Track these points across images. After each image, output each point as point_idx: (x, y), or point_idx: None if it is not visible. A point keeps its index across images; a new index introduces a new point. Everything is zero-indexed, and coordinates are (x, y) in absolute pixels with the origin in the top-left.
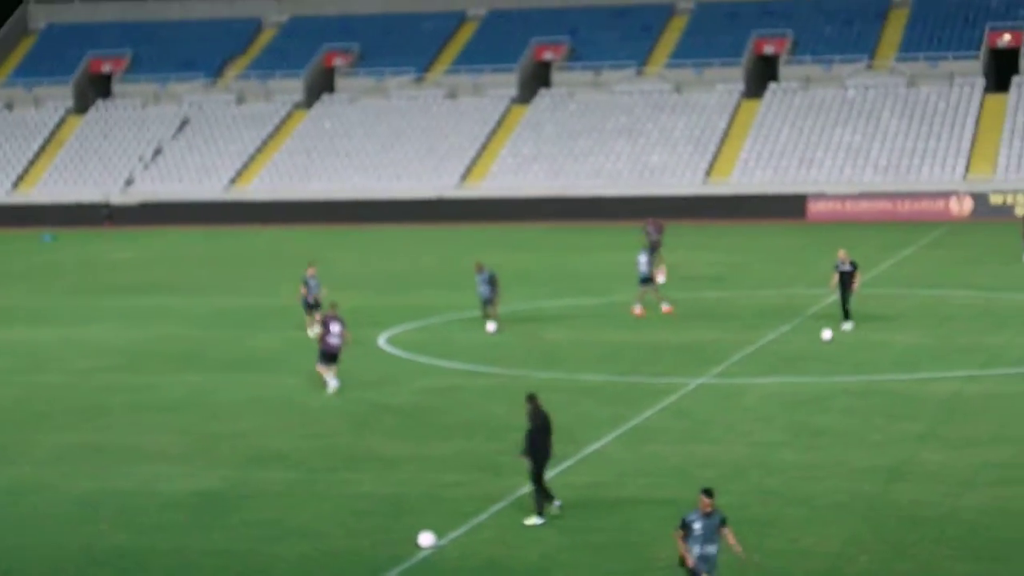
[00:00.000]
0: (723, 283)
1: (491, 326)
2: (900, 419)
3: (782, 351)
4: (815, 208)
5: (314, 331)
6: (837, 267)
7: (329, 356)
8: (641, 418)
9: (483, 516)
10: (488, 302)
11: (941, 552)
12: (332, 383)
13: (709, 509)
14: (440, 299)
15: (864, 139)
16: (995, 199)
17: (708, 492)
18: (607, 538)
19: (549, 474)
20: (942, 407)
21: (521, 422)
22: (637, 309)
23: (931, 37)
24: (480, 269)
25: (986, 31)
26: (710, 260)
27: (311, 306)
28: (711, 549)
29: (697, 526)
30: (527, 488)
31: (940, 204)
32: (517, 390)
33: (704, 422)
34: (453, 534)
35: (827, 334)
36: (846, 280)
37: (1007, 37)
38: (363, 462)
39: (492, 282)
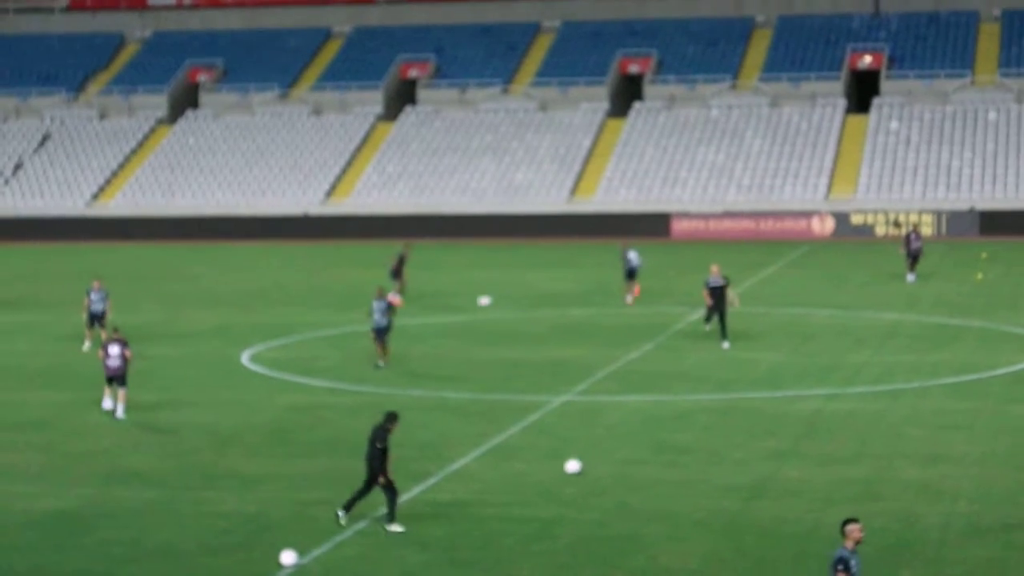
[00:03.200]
0: (587, 301)
1: (381, 362)
2: (762, 436)
3: (645, 369)
4: (679, 227)
5: (87, 346)
6: (708, 283)
7: (108, 378)
8: (504, 435)
9: (347, 534)
10: (383, 332)
11: (801, 569)
12: (107, 404)
13: (861, 536)
14: (304, 316)
15: (728, 158)
16: (856, 219)
17: (857, 520)
18: (470, 555)
19: (413, 492)
20: (804, 425)
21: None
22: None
23: (794, 58)
24: (380, 295)
25: (847, 52)
26: (575, 278)
27: (93, 320)
28: None
29: (853, 563)
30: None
31: (802, 223)
32: (381, 408)
33: (567, 439)
34: (316, 552)
35: (484, 300)
36: (718, 296)
37: (868, 59)
38: (224, 480)
39: (388, 312)
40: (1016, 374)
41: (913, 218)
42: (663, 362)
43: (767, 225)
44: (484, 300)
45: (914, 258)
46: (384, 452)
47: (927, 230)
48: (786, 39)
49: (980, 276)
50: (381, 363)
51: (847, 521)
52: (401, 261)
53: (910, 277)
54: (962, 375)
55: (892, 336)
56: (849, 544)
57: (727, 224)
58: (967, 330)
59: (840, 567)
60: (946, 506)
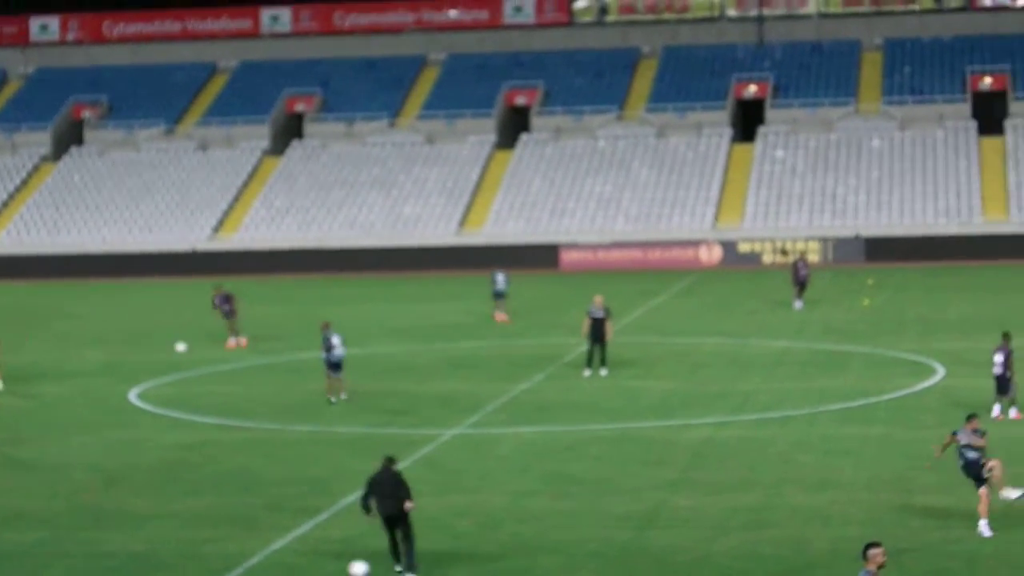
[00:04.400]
0: (477, 333)
1: (342, 395)
2: (653, 465)
3: (536, 400)
4: (568, 257)
5: None
6: (590, 313)
7: None
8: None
9: (236, 572)
10: (336, 367)
11: None
12: None
13: (884, 560)
14: (193, 353)
15: (615, 189)
16: (743, 247)
17: (879, 544)
18: None
19: (303, 528)
20: (694, 453)
21: (273, 476)
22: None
23: (679, 88)
24: (326, 327)
25: (732, 82)
26: (464, 310)
27: None
28: None
29: None
30: (279, 544)
31: (690, 252)
32: (271, 444)
33: (459, 472)
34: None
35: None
36: (598, 327)
37: (752, 88)
38: (112, 519)
39: (329, 346)
40: (903, 399)
41: (800, 245)
42: (554, 393)
43: (655, 255)
44: (180, 347)
45: (801, 285)
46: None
47: (814, 257)
48: (672, 69)
49: (867, 302)
50: (343, 396)
51: (869, 545)
52: (227, 300)
53: (797, 304)
54: (850, 401)
55: (780, 363)
56: (872, 567)
57: (615, 254)
58: (854, 356)
59: None
60: (836, 531)
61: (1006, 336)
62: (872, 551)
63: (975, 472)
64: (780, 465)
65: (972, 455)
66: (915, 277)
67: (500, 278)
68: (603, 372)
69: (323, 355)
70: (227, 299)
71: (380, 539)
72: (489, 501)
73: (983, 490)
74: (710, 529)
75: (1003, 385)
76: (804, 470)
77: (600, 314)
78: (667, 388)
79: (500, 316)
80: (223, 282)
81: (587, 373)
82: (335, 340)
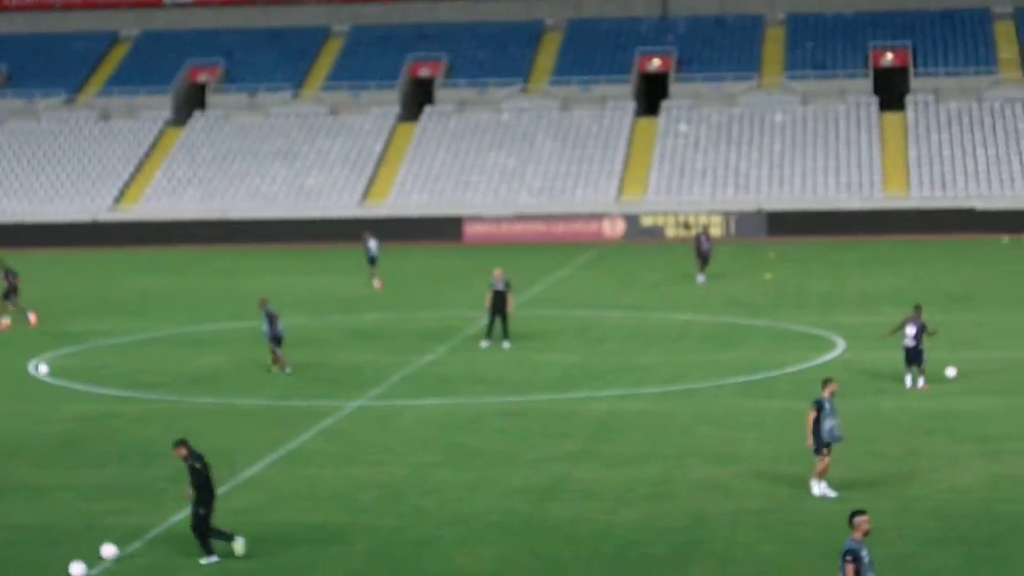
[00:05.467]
0: (381, 305)
1: (288, 369)
2: (555, 438)
3: (440, 372)
4: (471, 230)
5: None
6: (492, 285)
7: None
8: (298, 442)
9: (137, 544)
10: (275, 340)
11: (595, 569)
12: None
13: (870, 527)
14: (93, 324)
15: (519, 162)
16: (646, 221)
17: (864, 511)
18: (263, 564)
19: None
20: (596, 426)
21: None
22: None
23: (583, 61)
24: (263, 304)
25: (636, 56)
26: (368, 282)
27: None
28: None
29: (864, 553)
30: (181, 515)
31: (593, 226)
32: (172, 415)
33: (361, 444)
34: (107, 563)
35: None
36: (499, 299)
37: (656, 62)
38: (12, 492)
39: (273, 319)
40: (804, 372)
41: (702, 219)
42: (456, 365)
43: (558, 228)
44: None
45: (704, 259)
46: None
47: (716, 231)
48: (575, 42)
49: (768, 276)
50: (288, 370)
51: (855, 513)
52: (9, 276)
53: (700, 278)
54: (751, 374)
55: (683, 336)
56: (858, 535)
57: (519, 227)
58: (756, 329)
59: (849, 557)
60: (736, 503)
61: (917, 308)
62: (857, 519)
63: (832, 438)
64: (681, 438)
65: (827, 423)
66: (816, 251)
67: (372, 244)
68: (505, 345)
69: (265, 329)
70: (8, 274)
71: (279, 511)
72: (391, 473)
73: (825, 458)
74: (611, 501)
75: (915, 356)
76: (705, 443)
77: (501, 286)
78: (569, 361)
79: (376, 283)
80: (5, 257)
81: (485, 344)
82: (274, 313)
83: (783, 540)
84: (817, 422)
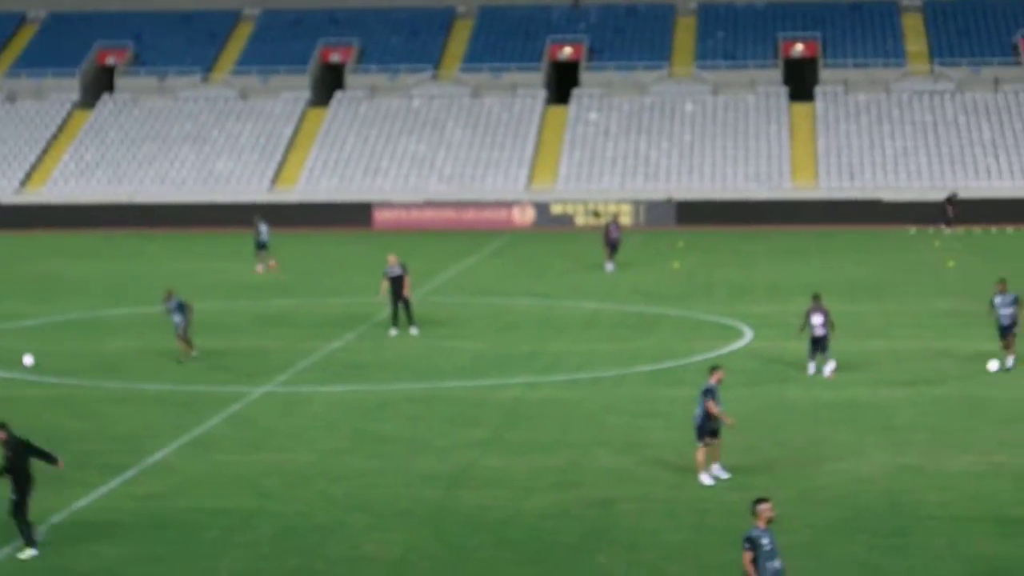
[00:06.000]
0: (289, 291)
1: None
2: (463, 425)
3: (348, 359)
4: (381, 216)
5: None
6: (387, 272)
7: None
8: (204, 427)
9: (41, 528)
10: (181, 331)
11: (502, 556)
12: None
13: (773, 515)
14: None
15: (429, 148)
16: (556, 209)
17: (767, 499)
18: (169, 549)
19: (110, 484)
20: (505, 413)
21: (80, 433)
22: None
23: (495, 49)
24: (169, 297)
25: (547, 44)
26: (255, 266)
27: None
28: (779, 563)
29: (765, 541)
30: (85, 501)
31: (503, 213)
32: (77, 400)
33: (268, 430)
34: (6, 549)
35: (27, 360)
36: (397, 285)
37: (567, 50)
38: None
39: (183, 309)
40: (711, 361)
41: (612, 208)
42: (365, 352)
43: (468, 215)
44: (27, 359)
45: (613, 247)
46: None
47: (626, 220)
48: (487, 30)
49: (677, 265)
50: (194, 353)
51: (758, 501)
52: None
53: (609, 266)
54: (659, 363)
55: (592, 325)
56: (760, 523)
57: (429, 214)
58: (665, 318)
59: (747, 545)
60: (642, 491)
61: (816, 297)
62: (760, 506)
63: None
64: (589, 426)
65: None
66: (725, 241)
67: (263, 229)
68: (413, 331)
69: (178, 321)
70: None
71: (186, 497)
72: (298, 459)
73: (708, 446)
74: (519, 489)
75: (821, 344)
76: (613, 431)
77: (397, 271)
78: (478, 348)
79: (267, 266)
80: None
81: (394, 332)
82: (168, 306)
83: (690, 528)
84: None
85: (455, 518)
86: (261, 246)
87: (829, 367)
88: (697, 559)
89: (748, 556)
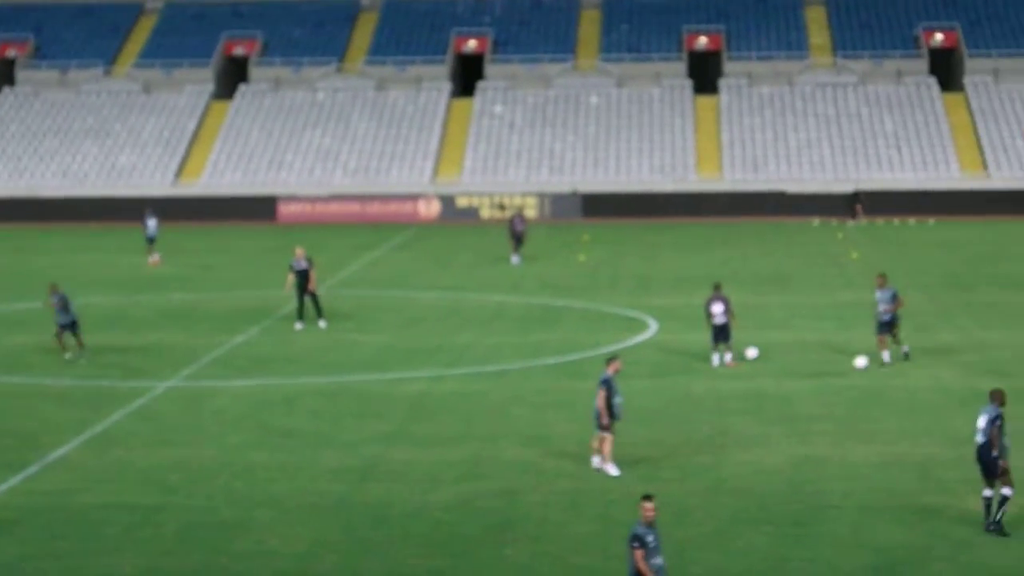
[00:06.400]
0: (193, 285)
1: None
2: (370, 419)
3: (252, 353)
4: (286, 210)
5: None
6: (293, 266)
7: None
8: (107, 423)
9: None
10: (67, 328)
11: (407, 549)
12: None
13: (654, 514)
14: None
15: (334, 141)
16: (461, 202)
17: (651, 496)
18: (71, 546)
19: (11, 482)
20: (410, 407)
21: None
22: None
23: (399, 42)
24: (54, 291)
25: (452, 36)
26: (180, 262)
27: None
28: (661, 560)
29: (650, 538)
30: None
31: (409, 206)
32: None
33: (172, 426)
34: None
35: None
36: (303, 278)
37: (472, 43)
38: None
39: (66, 306)
40: (616, 353)
41: (517, 201)
42: (270, 346)
43: (374, 208)
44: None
45: (518, 240)
46: None
47: (531, 212)
48: (392, 23)
49: (583, 258)
50: (80, 353)
51: (644, 498)
52: None
53: (515, 259)
54: (565, 355)
55: (497, 317)
56: (644, 521)
57: (334, 207)
58: (570, 311)
59: (635, 544)
60: (547, 484)
61: (717, 287)
62: (645, 504)
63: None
64: (495, 418)
65: (616, 400)
66: (630, 233)
67: (151, 223)
68: (321, 324)
69: (59, 318)
70: None
71: (88, 493)
72: (202, 454)
73: (608, 435)
74: (425, 482)
75: (723, 333)
76: (518, 423)
77: (303, 265)
78: (384, 342)
79: (152, 260)
80: None
81: (299, 326)
82: (53, 299)
83: (594, 520)
84: (608, 399)
85: (361, 512)
86: (150, 240)
87: (728, 357)
88: (602, 550)
89: (640, 553)
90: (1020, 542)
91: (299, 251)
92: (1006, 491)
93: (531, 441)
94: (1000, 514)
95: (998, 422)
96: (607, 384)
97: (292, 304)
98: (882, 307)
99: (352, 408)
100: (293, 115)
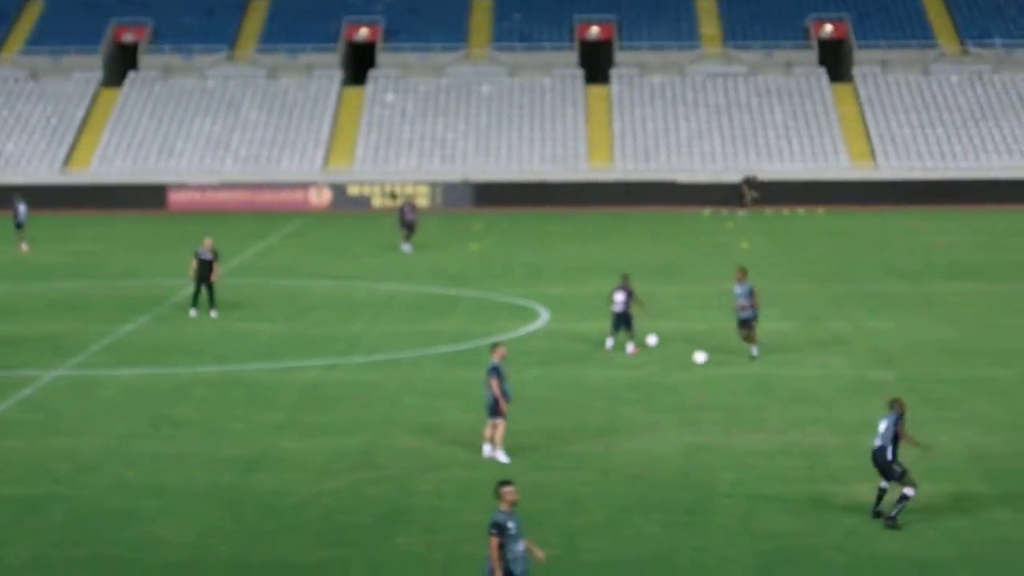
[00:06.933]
0: (81, 273)
1: None
2: (260, 408)
3: (143, 342)
4: (176, 198)
5: None
6: (198, 254)
7: None
8: None
9: None
10: None
11: (299, 539)
12: None
13: (517, 497)
14: None
15: (225, 129)
16: (353, 190)
17: (511, 482)
18: None
19: None
20: (302, 396)
21: None
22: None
23: (291, 29)
24: None
25: (344, 25)
26: (68, 250)
27: None
28: (522, 546)
29: (511, 524)
30: None
31: (300, 195)
32: None
33: (60, 415)
34: None
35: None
36: (205, 268)
37: (364, 31)
38: None
39: None
40: (507, 342)
41: (409, 189)
42: (160, 334)
43: (264, 196)
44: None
45: (409, 229)
46: None
47: (423, 201)
48: (283, 10)
49: (474, 247)
50: None
51: (501, 483)
52: None
53: (406, 248)
54: (456, 344)
55: (388, 306)
56: (504, 507)
57: (224, 195)
58: (462, 300)
59: (494, 531)
60: (440, 473)
61: (624, 277)
62: (504, 489)
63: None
64: (386, 407)
65: (505, 386)
66: (522, 222)
67: (21, 209)
68: (213, 314)
69: None
70: None
71: None
72: (91, 444)
73: (500, 422)
74: (317, 472)
75: (624, 321)
76: (410, 412)
77: (208, 256)
78: (275, 331)
79: (23, 247)
80: None
81: (193, 313)
82: None
83: (486, 508)
84: (500, 386)
85: (252, 501)
86: (19, 226)
87: (630, 347)
88: None
89: (495, 542)
90: (908, 530)
91: (208, 241)
92: (908, 491)
93: (423, 430)
94: (898, 510)
95: (900, 424)
96: (496, 371)
97: (186, 292)
98: (739, 302)
99: (243, 397)
100: (183, 103)
